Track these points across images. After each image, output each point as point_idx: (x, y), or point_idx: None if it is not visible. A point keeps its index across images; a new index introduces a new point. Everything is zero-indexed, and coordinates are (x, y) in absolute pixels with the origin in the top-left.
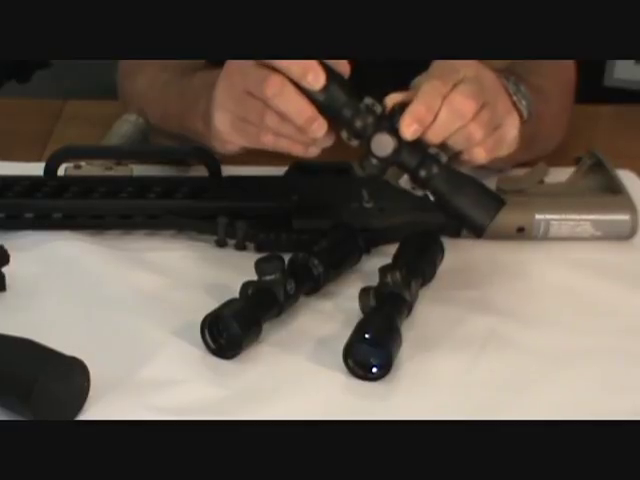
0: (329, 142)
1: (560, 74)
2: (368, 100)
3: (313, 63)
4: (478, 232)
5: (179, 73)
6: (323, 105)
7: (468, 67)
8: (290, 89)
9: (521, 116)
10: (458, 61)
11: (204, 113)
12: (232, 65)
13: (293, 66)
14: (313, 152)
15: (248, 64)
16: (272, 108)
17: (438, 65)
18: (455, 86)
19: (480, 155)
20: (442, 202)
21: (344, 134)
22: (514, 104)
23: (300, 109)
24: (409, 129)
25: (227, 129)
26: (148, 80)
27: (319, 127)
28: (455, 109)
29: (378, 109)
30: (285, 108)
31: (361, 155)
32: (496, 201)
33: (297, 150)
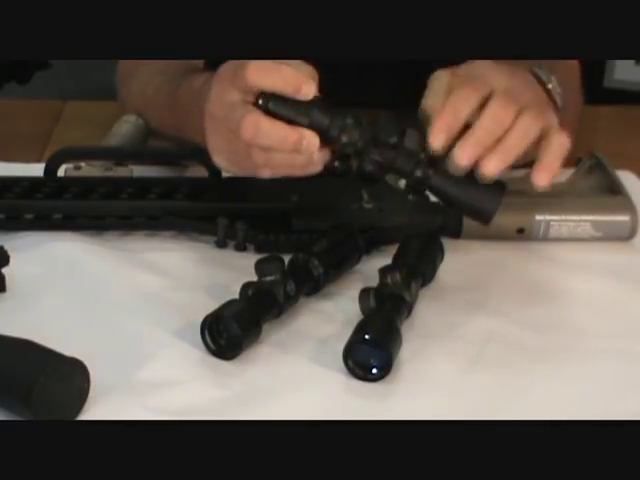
0: (327, 155)
1: (569, 70)
2: (349, 119)
3: (299, 76)
4: (487, 218)
5: (170, 76)
6: (309, 126)
7: (498, 78)
8: (266, 124)
9: (556, 105)
10: (486, 67)
11: (199, 128)
12: (213, 106)
13: (283, 86)
14: (314, 169)
15: (227, 102)
16: (257, 146)
17: (465, 72)
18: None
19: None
20: (445, 198)
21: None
22: (549, 92)
23: (284, 137)
24: (436, 139)
25: (225, 166)
26: (141, 85)
27: (310, 143)
28: (495, 115)
29: (363, 123)
30: (269, 143)
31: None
32: (499, 185)
33: (298, 172)
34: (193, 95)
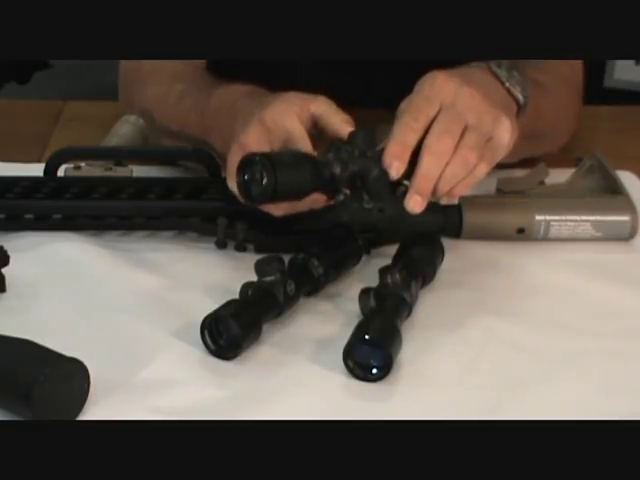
0: None
1: (560, 68)
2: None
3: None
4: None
5: (195, 85)
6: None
7: (445, 93)
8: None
9: (517, 102)
10: (436, 84)
11: (226, 139)
12: (248, 140)
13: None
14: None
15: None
16: None
17: (412, 99)
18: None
19: (482, 171)
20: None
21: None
22: (508, 91)
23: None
24: (392, 167)
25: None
26: (162, 91)
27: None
28: (434, 152)
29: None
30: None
31: None
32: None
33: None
34: (226, 107)
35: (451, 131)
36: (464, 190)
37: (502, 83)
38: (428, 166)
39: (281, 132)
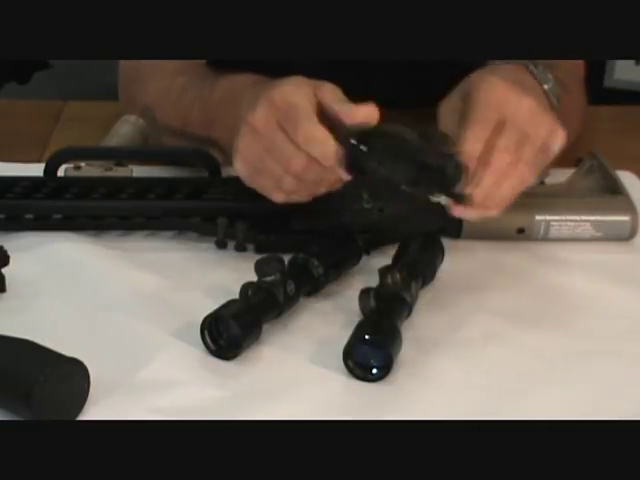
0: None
1: (574, 68)
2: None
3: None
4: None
5: (197, 77)
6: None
7: (508, 104)
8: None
9: (552, 104)
10: (498, 93)
11: (230, 128)
12: (257, 120)
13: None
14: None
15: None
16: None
17: (478, 107)
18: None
19: (531, 181)
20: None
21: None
22: (545, 93)
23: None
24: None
25: (244, 175)
26: (163, 86)
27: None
28: (496, 169)
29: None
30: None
31: None
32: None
33: (318, 191)
34: (231, 96)
35: (513, 147)
36: (511, 202)
37: (540, 84)
38: (488, 183)
39: (290, 110)
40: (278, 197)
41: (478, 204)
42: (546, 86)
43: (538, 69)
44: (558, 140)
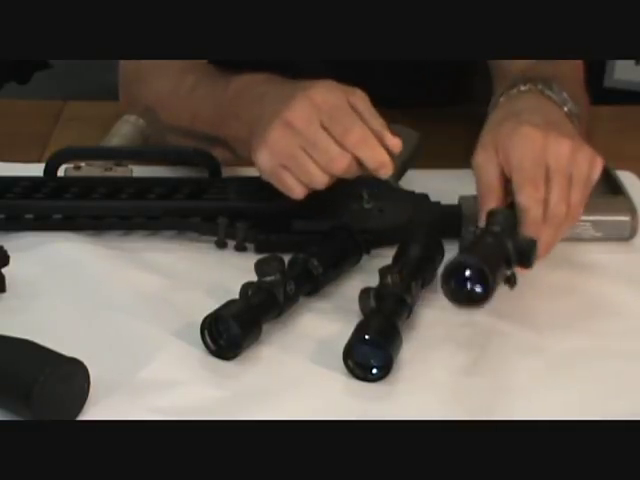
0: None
1: (574, 73)
2: None
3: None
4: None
5: (206, 75)
6: None
7: (549, 154)
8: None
9: (574, 123)
10: (536, 145)
11: (249, 123)
12: (296, 116)
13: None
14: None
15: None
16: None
17: (523, 166)
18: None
19: (581, 214)
20: None
21: None
22: (567, 115)
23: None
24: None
25: (265, 168)
26: (171, 84)
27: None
28: (555, 224)
29: None
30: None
31: None
32: None
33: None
34: (249, 93)
35: (564, 195)
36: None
37: (560, 107)
38: (550, 238)
39: (335, 111)
40: (299, 193)
41: (541, 255)
42: (566, 108)
43: (554, 91)
44: (598, 169)
